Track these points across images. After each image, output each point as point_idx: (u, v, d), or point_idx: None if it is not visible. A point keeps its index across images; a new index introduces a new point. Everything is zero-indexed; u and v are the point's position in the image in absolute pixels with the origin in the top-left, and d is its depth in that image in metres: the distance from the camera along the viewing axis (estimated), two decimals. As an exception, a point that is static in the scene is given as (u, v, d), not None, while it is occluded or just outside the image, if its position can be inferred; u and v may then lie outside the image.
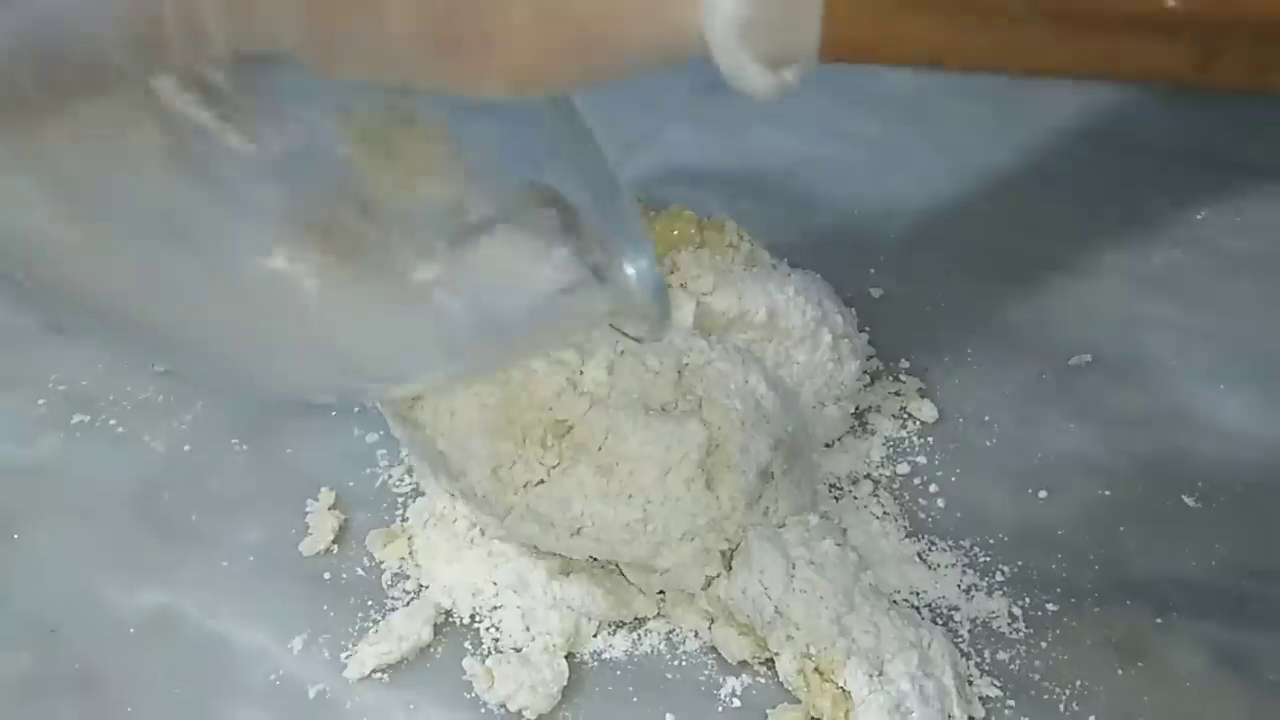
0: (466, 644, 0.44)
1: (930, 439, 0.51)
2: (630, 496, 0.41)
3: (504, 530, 0.43)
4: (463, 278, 0.30)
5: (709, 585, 0.43)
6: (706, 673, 0.43)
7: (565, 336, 0.38)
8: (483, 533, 0.45)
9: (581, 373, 0.43)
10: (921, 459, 0.50)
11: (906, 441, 0.51)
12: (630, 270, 0.31)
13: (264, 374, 0.34)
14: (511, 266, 0.30)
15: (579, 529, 0.42)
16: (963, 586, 0.45)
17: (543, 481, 0.42)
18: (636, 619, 0.45)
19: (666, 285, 0.34)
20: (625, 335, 0.40)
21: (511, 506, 0.42)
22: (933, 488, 0.49)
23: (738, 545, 0.43)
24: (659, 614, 0.45)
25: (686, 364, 0.44)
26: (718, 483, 0.42)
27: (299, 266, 0.29)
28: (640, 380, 0.43)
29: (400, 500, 0.49)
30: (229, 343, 0.32)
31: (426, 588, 0.45)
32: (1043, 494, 0.49)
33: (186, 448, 0.51)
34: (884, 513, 0.48)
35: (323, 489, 0.49)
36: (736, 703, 0.42)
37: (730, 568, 0.43)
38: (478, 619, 0.45)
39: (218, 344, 0.32)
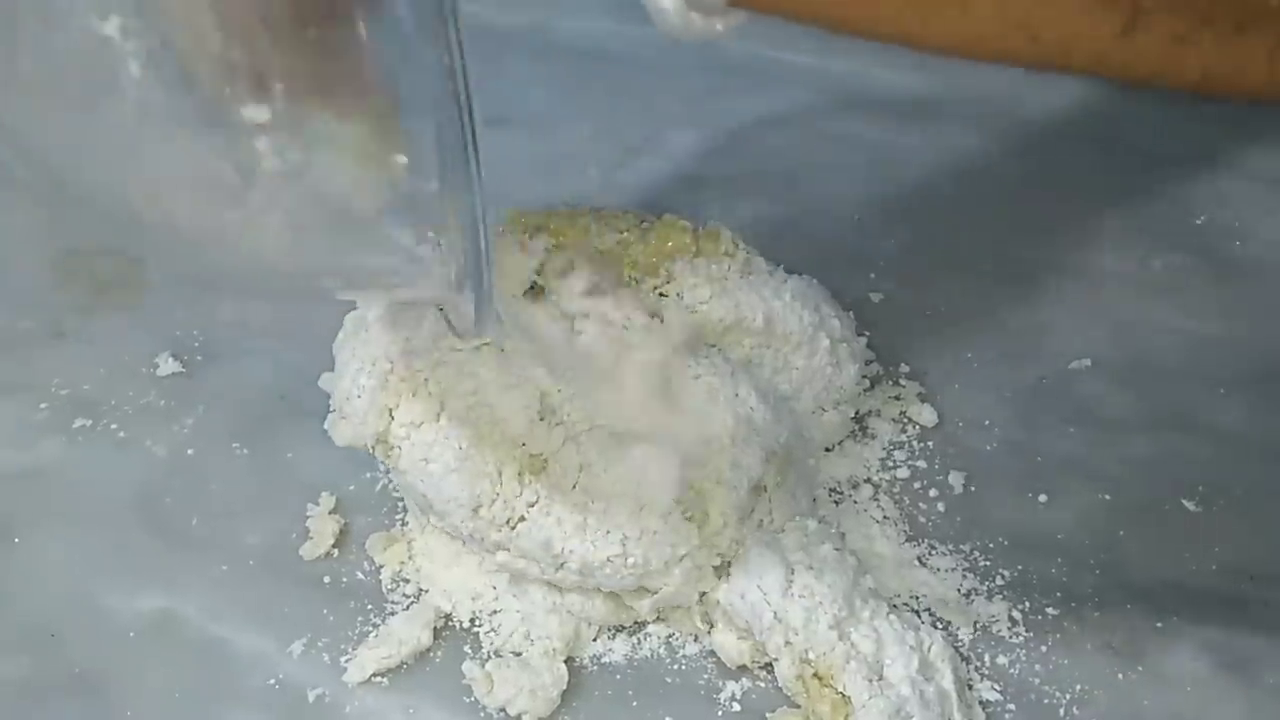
0: (466, 648, 0.44)
1: (930, 443, 0.51)
2: (608, 532, 0.41)
3: (495, 565, 0.44)
4: (292, 146, 0.28)
5: (703, 598, 0.43)
6: (706, 677, 0.43)
7: (375, 279, 0.34)
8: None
9: (559, 390, 0.43)
10: (921, 463, 0.50)
11: (906, 445, 0.51)
12: (460, 247, 0.30)
13: (76, 173, 0.31)
14: (347, 164, 0.29)
15: (563, 563, 0.42)
16: (963, 590, 0.45)
17: (524, 518, 0.42)
18: (636, 623, 0.45)
19: (489, 277, 0.32)
20: (449, 324, 0.39)
21: (497, 543, 0.42)
22: (933, 492, 0.49)
23: (734, 556, 0.43)
24: (658, 618, 0.45)
25: (673, 380, 0.44)
26: (708, 499, 0.42)
27: (130, 44, 0.26)
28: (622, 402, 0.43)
29: (400, 504, 0.49)
30: (42, 128, 0.29)
31: (426, 592, 0.46)
32: (1043, 498, 0.49)
33: (188, 452, 0.51)
34: (884, 517, 0.48)
35: (323, 493, 0.49)
36: (736, 707, 0.42)
37: (728, 575, 0.43)
38: (477, 623, 0.45)
39: (31, 128, 0.29)
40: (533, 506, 0.42)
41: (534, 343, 0.44)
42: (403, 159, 0.29)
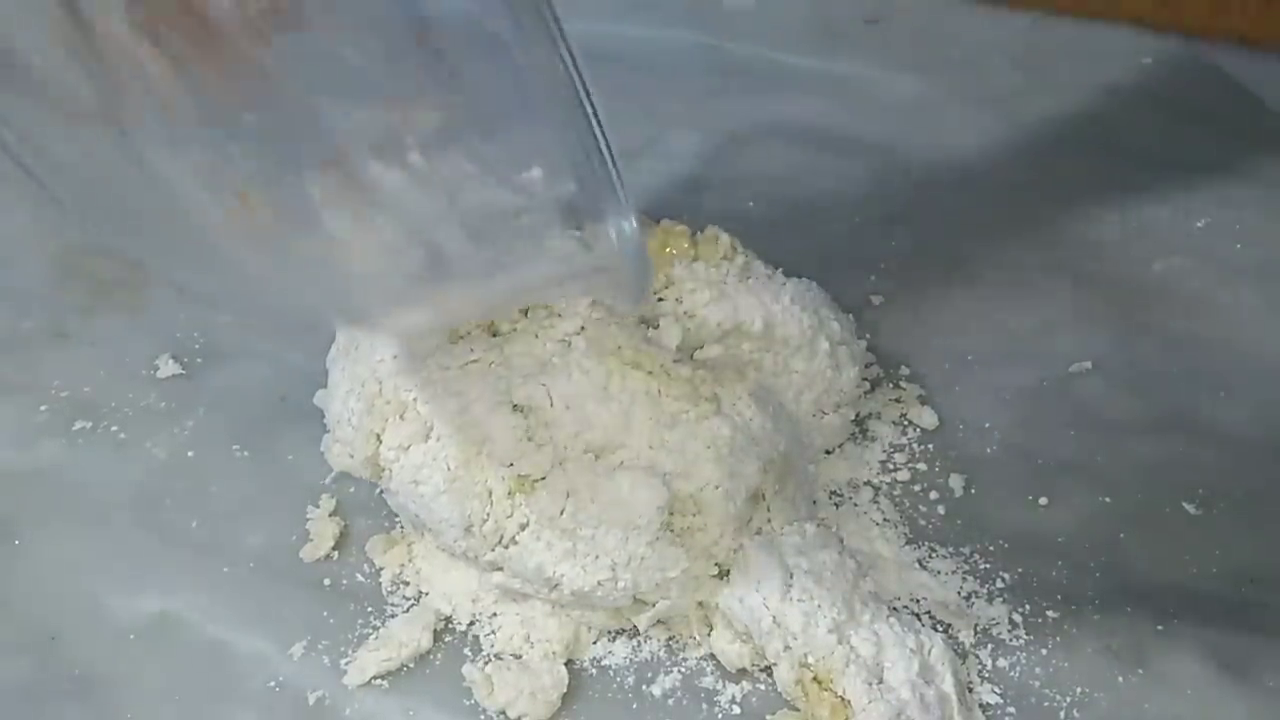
0: (466, 650, 0.44)
1: (930, 446, 0.51)
2: (597, 558, 0.41)
3: (493, 584, 0.44)
4: (435, 184, 0.29)
5: (702, 603, 0.43)
6: (706, 680, 0.43)
7: (541, 281, 0.35)
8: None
9: (550, 405, 0.43)
10: (922, 465, 0.50)
11: (907, 448, 0.51)
12: (610, 230, 0.30)
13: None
14: (490, 189, 0.29)
15: (556, 585, 0.42)
16: (963, 593, 0.45)
17: (515, 539, 0.42)
18: (636, 626, 0.44)
19: (645, 253, 0.33)
20: (604, 303, 0.40)
21: (492, 563, 0.43)
22: (933, 494, 0.49)
23: (733, 561, 0.43)
24: (659, 621, 0.45)
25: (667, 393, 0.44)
26: (705, 509, 0.42)
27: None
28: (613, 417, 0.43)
29: (401, 506, 0.49)
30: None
31: (426, 594, 0.45)
32: (1043, 501, 0.49)
33: (188, 454, 0.51)
34: (884, 519, 0.48)
35: (323, 495, 0.49)
36: (736, 710, 0.42)
37: (727, 579, 0.43)
38: (477, 625, 0.45)
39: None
40: (524, 529, 0.42)
41: (525, 357, 0.44)
42: (537, 172, 0.29)
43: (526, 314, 0.46)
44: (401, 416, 0.44)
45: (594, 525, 0.41)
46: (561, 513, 0.41)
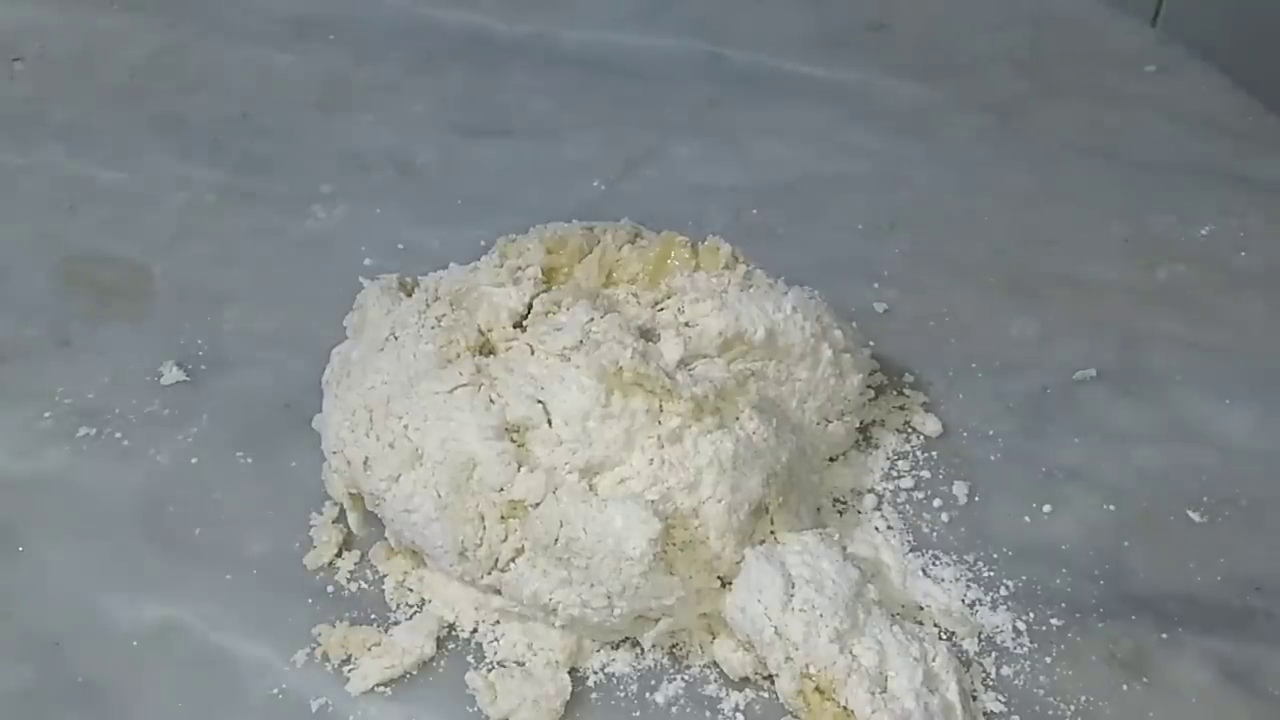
0: (469, 658, 0.44)
1: (934, 453, 0.51)
2: (592, 586, 0.41)
3: (494, 608, 0.44)
4: None
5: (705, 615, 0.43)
6: (709, 688, 0.43)
7: None
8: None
9: (550, 422, 0.43)
10: (925, 473, 0.50)
11: (910, 455, 0.51)
12: None
13: None
14: None
15: (552, 611, 0.42)
16: (967, 601, 0.45)
17: (511, 564, 0.42)
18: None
19: None
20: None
21: (490, 586, 0.43)
22: (936, 502, 0.49)
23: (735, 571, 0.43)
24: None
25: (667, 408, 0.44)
26: (708, 524, 0.42)
27: None
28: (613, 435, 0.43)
29: (404, 514, 0.49)
30: None
31: (429, 601, 0.45)
32: (1047, 508, 0.49)
33: (191, 461, 0.51)
34: (888, 527, 0.48)
35: (326, 502, 0.49)
36: (740, 718, 0.42)
37: (729, 587, 0.43)
38: (480, 633, 0.45)
39: None
40: (519, 554, 0.42)
41: (521, 375, 0.44)
42: None
43: (523, 329, 0.46)
44: (391, 445, 0.44)
45: (587, 555, 0.41)
46: (555, 542, 0.41)
